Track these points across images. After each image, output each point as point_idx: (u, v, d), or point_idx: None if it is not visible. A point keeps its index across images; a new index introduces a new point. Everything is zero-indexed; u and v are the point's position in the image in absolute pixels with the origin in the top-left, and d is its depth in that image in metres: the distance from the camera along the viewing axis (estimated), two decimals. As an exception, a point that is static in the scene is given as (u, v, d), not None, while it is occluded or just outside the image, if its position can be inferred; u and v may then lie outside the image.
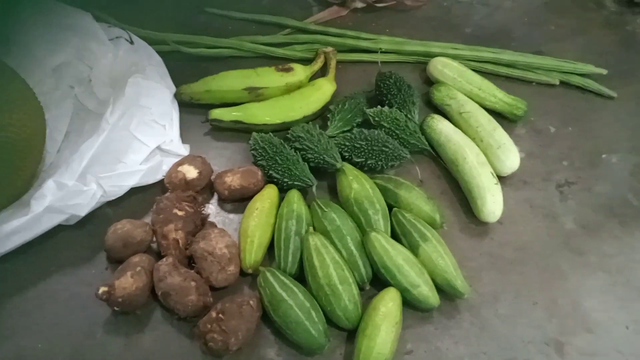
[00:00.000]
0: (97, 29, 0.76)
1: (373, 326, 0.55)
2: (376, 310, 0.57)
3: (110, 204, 0.67)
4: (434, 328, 0.60)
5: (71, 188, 0.60)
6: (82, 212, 0.62)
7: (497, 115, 0.79)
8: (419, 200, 0.67)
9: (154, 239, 0.64)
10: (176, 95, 0.78)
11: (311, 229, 0.63)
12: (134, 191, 0.68)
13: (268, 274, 0.59)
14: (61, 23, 0.77)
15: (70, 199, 0.61)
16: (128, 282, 0.57)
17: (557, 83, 0.86)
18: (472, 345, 0.59)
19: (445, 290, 0.61)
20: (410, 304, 0.60)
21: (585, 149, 0.79)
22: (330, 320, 0.58)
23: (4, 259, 0.62)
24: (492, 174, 0.69)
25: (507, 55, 0.87)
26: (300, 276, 0.62)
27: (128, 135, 0.69)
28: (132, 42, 0.78)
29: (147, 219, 0.67)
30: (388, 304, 0.57)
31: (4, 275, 0.62)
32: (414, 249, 0.62)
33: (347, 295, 0.58)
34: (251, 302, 0.57)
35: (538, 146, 0.79)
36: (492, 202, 0.67)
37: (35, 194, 0.60)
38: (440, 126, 0.75)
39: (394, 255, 0.60)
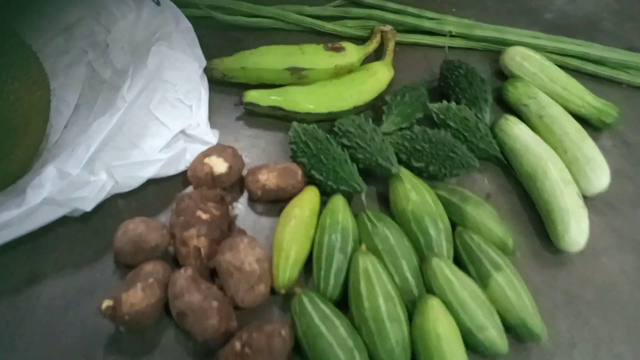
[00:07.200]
0: (118, -17, 0.65)
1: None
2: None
3: (122, 195, 0.57)
4: (496, 377, 0.50)
5: (75, 178, 0.50)
6: (88, 207, 0.52)
7: (580, 120, 0.66)
8: (490, 220, 0.55)
9: (172, 241, 0.53)
10: (206, 71, 0.67)
11: (363, 246, 0.53)
12: (151, 181, 0.57)
13: (305, 300, 0.49)
14: (77, -26, 0.66)
15: (73, 190, 0.51)
16: (137, 296, 0.48)
17: (653, 87, 0.73)
18: (542, 403, 0.49)
19: (517, 332, 0.51)
20: (471, 347, 0.50)
21: (685, 169, 0.67)
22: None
23: (-9, 254, 0.52)
24: (579, 194, 0.58)
25: (596, 50, 0.73)
26: (343, 300, 0.52)
27: (147, 115, 0.58)
28: (158, 3, 0.67)
29: (165, 216, 0.57)
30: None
31: (-10, 274, 0.53)
32: (483, 279, 0.52)
33: (395, 337, 0.47)
34: (283, 331, 0.48)
35: (628, 163, 0.67)
36: (576, 230, 0.55)
37: (32, 182, 0.50)
38: (517, 131, 0.63)
39: (459, 290, 0.49)
